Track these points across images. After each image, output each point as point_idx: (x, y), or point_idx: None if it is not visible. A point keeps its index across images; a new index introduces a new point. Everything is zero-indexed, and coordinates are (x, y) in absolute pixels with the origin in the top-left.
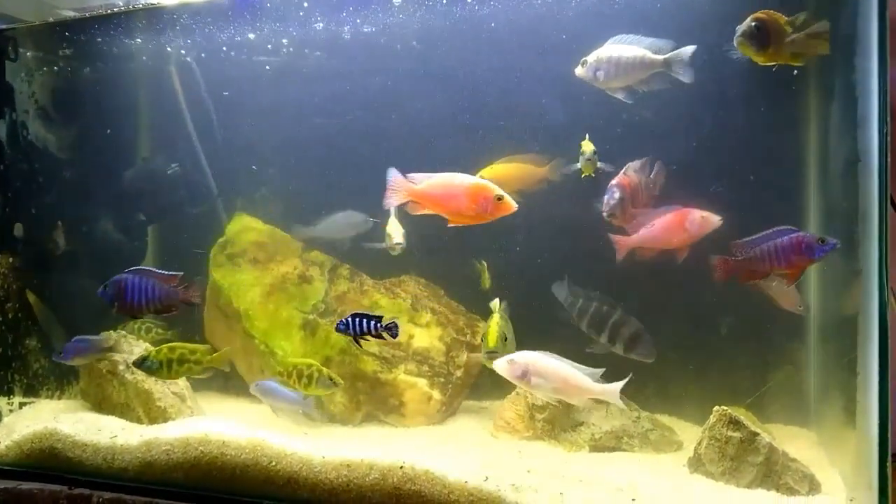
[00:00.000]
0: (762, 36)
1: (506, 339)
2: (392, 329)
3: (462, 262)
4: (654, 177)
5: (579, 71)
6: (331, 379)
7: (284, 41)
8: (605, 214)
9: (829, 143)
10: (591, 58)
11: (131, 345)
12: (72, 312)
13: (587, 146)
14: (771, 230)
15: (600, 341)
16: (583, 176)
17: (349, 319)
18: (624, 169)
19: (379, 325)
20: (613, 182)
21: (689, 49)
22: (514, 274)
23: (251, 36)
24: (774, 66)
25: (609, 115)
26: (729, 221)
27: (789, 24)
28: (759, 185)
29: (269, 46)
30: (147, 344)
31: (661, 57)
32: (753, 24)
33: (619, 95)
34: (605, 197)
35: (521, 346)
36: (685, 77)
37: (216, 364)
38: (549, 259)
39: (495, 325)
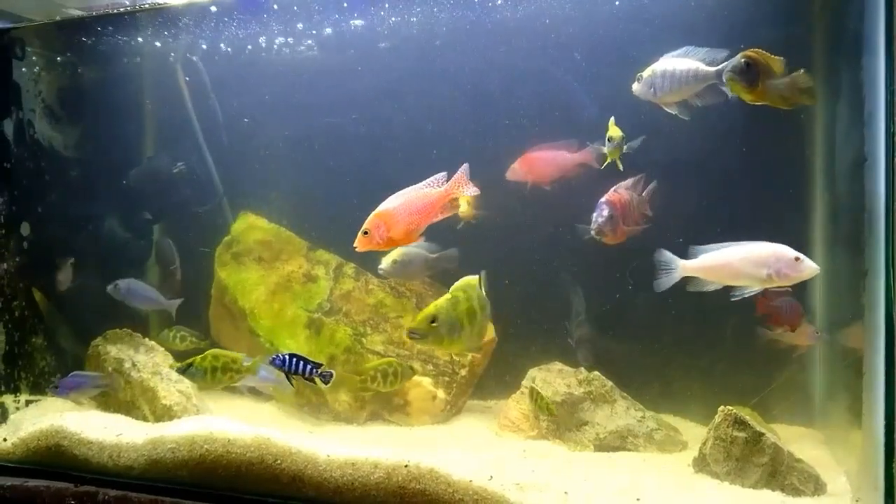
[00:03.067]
0: (751, 74)
1: (433, 322)
2: (326, 377)
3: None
4: (647, 195)
5: (635, 87)
6: (411, 368)
7: (293, 40)
8: (593, 232)
9: (835, 142)
10: (646, 73)
11: (136, 343)
12: (78, 310)
13: (615, 131)
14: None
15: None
16: (605, 162)
17: (286, 357)
18: (615, 186)
19: (315, 370)
20: (603, 199)
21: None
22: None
23: (258, 35)
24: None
25: (615, 111)
26: (734, 221)
27: (780, 66)
28: (765, 184)
29: (277, 45)
30: (158, 350)
31: (713, 69)
32: (743, 60)
33: (673, 110)
34: (594, 214)
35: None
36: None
37: (251, 372)
38: (557, 256)
39: (433, 305)
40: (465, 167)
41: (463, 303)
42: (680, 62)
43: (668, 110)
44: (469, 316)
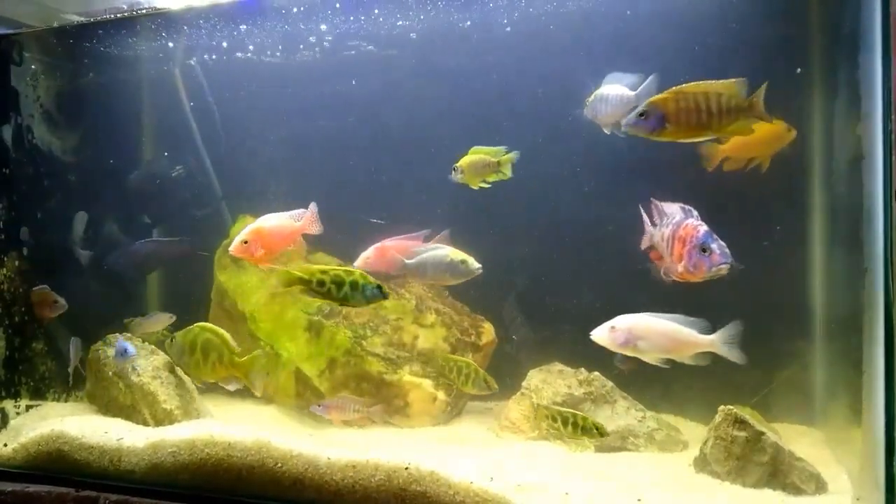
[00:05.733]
0: (650, 122)
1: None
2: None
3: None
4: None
5: (586, 110)
6: (486, 381)
7: (292, 43)
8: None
9: (833, 140)
10: (591, 98)
11: (137, 347)
12: (78, 315)
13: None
14: None
15: None
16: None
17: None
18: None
19: None
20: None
21: (652, 81)
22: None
23: (257, 39)
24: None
25: None
26: (733, 220)
27: (733, 94)
28: (763, 183)
29: (275, 48)
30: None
31: (633, 93)
32: (641, 111)
33: (608, 131)
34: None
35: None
36: None
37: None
38: (556, 257)
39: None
40: (313, 206)
41: (193, 335)
42: (611, 88)
43: (605, 131)
44: (192, 348)
